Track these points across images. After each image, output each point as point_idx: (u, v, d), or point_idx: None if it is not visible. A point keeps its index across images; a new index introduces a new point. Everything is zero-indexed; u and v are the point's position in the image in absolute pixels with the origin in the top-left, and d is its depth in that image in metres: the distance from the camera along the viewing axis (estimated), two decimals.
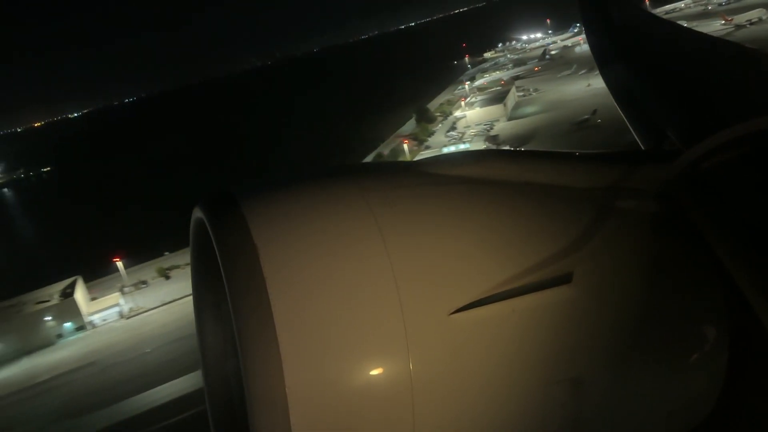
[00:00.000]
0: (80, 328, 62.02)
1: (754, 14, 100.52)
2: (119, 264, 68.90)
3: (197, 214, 1.55)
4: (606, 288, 1.57)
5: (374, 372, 1.34)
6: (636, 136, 3.13)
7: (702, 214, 1.67)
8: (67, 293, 63.93)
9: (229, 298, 1.33)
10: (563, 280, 1.51)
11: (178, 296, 59.27)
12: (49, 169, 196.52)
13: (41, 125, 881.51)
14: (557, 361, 1.49)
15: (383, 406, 1.35)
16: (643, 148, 2.88)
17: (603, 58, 4.10)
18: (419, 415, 1.37)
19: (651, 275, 1.63)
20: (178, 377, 43.27)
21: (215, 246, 1.39)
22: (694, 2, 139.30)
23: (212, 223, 1.44)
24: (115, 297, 66.10)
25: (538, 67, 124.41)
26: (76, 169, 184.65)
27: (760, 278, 1.43)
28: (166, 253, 70.97)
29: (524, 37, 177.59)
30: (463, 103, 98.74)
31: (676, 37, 4.07)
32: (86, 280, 68.98)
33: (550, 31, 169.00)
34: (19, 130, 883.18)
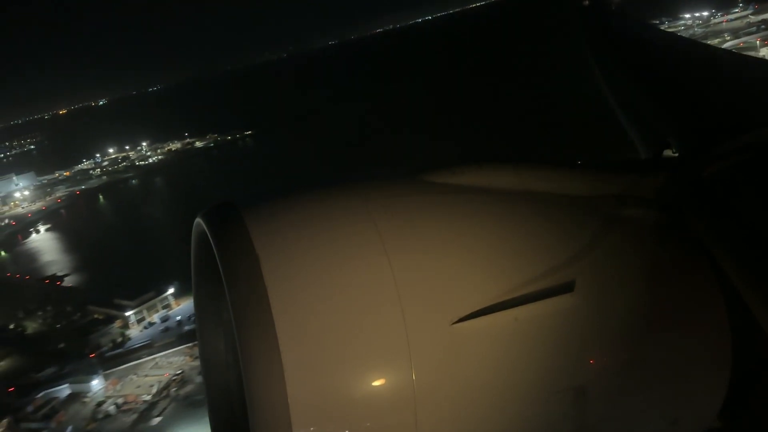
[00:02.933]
0: None
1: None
2: None
3: (199, 223, 1.54)
4: (608, 296, 1.57)
5: (377, 381, 1.34)
6: (637, 145, 3.24)
7: (704, 222, 1.66)
8: None
9: (231, 307, 1.32)
10: (565, 288, 1.51)
11: None
12: (250, 132, 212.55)
13: (65, 113, 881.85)
14: (560, 369, 1.49)
15: (385, 415, 1.34)
16: (644, 156, 2.96)
17: (604, 68, 4.24)
18: (422, 425, 1.36)
19: (653, 283, 1.62)
20: None
21: (217, 256, 1.39)
22: None
23: (214, 233, 1.44)
24: None
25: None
26: (274, 133, 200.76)
27: (761, 286, 1.43)
28: None
29: (705, 14, 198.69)
30: None
31: (677, 47, 4.17)
32: None
33: (713, 10, 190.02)
34: (46, 117, 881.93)
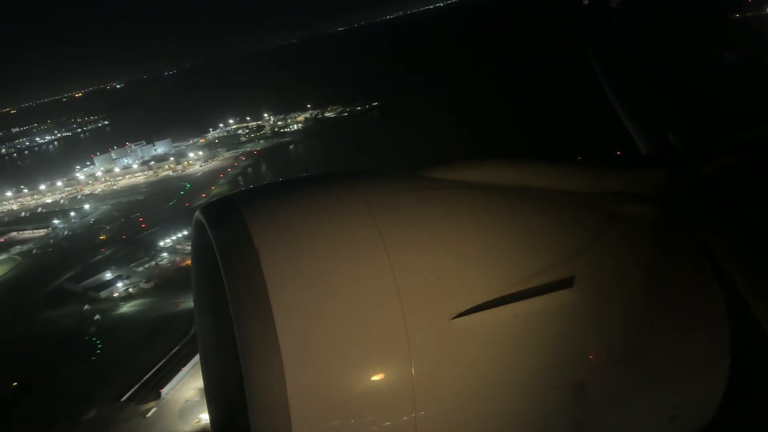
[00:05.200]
0: None
1: None
2: None
3: (199, 218, 1.55)
4: (608, 292, 1.57)
5: (376, 376, 1.35)
6: (638, 141, 3.21)
7: (705, 219, 1.66)
8: None
9: (230, 302, 1.33)
10: (565, 284, 1.51)
11: None
12: (376, 103, 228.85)
13: (81, 95, 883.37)
14: (559, 365, 1.49)
15: (385, 410, 1.36)
16: (644, 153, 2.92)
17: (604, 64, 4.20)
18: (421, 420, 1.37)
19: (653, 280, 1.62)
20: None
21: (216, 251, 1.41)
22: None
23: (213, 227, 1.46)
24: None
25: None
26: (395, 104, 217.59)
27: (762, 284, 1.43)
28: None
29: None
30: None
31: (677, 44, 4.11)
32: None
33: None
34: (64, 99, 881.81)
